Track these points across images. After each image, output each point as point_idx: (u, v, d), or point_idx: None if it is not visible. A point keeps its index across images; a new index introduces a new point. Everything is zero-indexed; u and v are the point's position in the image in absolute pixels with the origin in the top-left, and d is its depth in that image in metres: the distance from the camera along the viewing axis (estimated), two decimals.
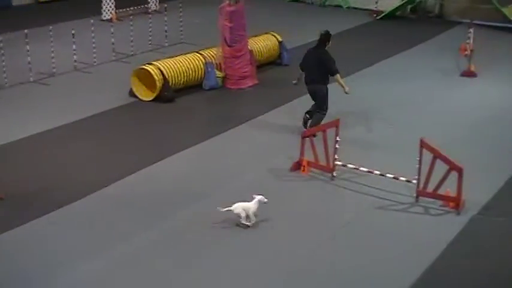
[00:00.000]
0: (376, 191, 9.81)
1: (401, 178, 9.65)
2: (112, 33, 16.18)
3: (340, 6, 23.03)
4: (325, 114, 11.68)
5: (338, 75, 11.61)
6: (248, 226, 8.70)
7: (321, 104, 11.68)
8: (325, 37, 11.69)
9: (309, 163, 10.43)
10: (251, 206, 8.74)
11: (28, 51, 14.22)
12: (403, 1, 21.64)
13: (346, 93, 11.64)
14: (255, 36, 15.86)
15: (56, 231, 8.65)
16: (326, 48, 11.69)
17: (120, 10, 19.50)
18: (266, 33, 16.34)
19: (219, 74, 14.45)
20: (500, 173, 10.50)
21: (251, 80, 14.73)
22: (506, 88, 14.79)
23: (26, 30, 14.48)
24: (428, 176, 9.34)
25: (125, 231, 8.66)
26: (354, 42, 18.66)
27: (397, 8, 21.52)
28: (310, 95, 11.86)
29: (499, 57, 17.06)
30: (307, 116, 11.86)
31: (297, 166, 10.50)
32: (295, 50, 17.16)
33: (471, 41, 15.67)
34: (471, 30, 15.80)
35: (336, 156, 10.11)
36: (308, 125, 11.72)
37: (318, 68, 11.53)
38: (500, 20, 19.81)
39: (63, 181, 10.03)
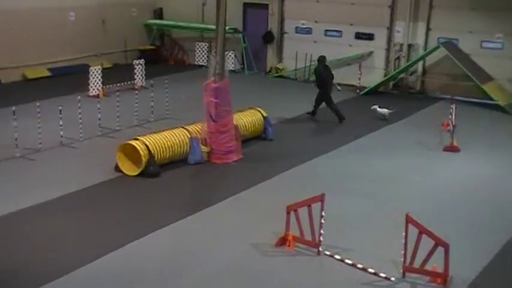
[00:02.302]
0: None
1: (381, 274, 9.47)
2: (99, 109, 16.32)
3: None
4: None
5: None
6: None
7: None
8: (324, 58, 18.38)
9: (294, 238, 10.37)
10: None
11: (16, 127, 14.25)
12: (386, 77, 22.13)
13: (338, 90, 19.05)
14: (240, 111, 16.06)
15: None
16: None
17: (107, 86, 19.72)
18: (251, 108, 16.55)
19: (204, 148, 14.53)
20: (486, 249, 10.47)
21: (236, 154, 14.81)
22: (488, 163, 14.94)
23: (13, 107, 14.56)
24: (415, 252, 9.30)
25: None
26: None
27: (379, 84, 21.96)
28: (329, 96, 17.99)
29: (480, 132, 17.33)
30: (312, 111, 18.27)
31: (282, 241, 10.43)
32: (280, 124, 17.41)
33: (453, 116, 15.95)
34: (453, 106, 16.10)
35: (322, 231, 10.07)
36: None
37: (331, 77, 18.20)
38: (481, 96, 20.27)
39: (43, 258, 9.84)
